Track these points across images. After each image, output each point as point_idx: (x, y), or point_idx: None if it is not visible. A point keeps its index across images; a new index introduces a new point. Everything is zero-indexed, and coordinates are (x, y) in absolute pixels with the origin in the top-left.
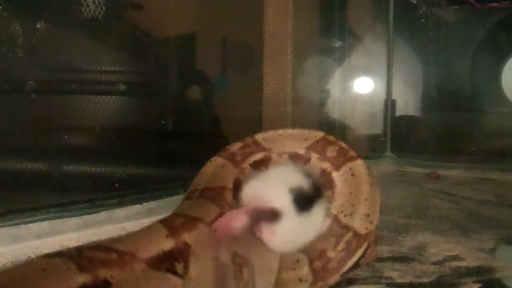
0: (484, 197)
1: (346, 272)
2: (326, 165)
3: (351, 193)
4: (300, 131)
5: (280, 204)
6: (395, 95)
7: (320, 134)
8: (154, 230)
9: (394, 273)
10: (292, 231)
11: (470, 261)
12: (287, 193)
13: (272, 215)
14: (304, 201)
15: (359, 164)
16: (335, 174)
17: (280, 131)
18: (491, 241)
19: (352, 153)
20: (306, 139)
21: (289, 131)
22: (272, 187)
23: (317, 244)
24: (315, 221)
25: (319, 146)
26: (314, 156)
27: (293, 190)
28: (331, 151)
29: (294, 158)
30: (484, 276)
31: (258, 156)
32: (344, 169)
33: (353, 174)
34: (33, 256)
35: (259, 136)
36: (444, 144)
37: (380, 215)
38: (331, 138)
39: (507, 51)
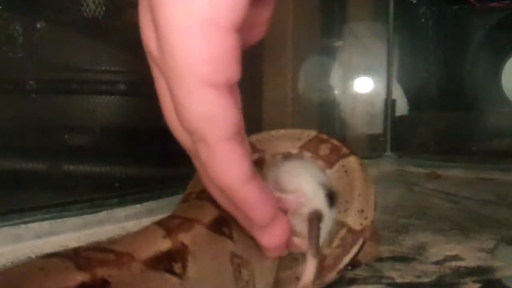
0: (484, 197)
1: (343, 269)
2: (319, 164)
3: (344, 190)
4: (293, 131)
5: (319, 203)
6: (395, 95)
7: (313, 133)
8: (150, 232)
9: (394, 273)
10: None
11: (470, 261)
12: (320, 189)
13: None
14: (331, 197)
15: (352, 161)
16: (328, 172)
17: (273, 132)
18: (491, 241)
19: (345, 150)
20: (299, 139)
21: (282, 131)
22: (307, 182)
23: None
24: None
25: (312, 145)
26: (307, 155)
27: (323, 185)
28: (324, 149)
29: (288, 158)
30: (484, 276)
31: (252, 157)
32: (337, 166)
33: (346, 171)
34: (33, 256)
35: (252, 138)
36: (444, 144)
37: (380, 215)
38: (324, 136)
39: (507, 51)
